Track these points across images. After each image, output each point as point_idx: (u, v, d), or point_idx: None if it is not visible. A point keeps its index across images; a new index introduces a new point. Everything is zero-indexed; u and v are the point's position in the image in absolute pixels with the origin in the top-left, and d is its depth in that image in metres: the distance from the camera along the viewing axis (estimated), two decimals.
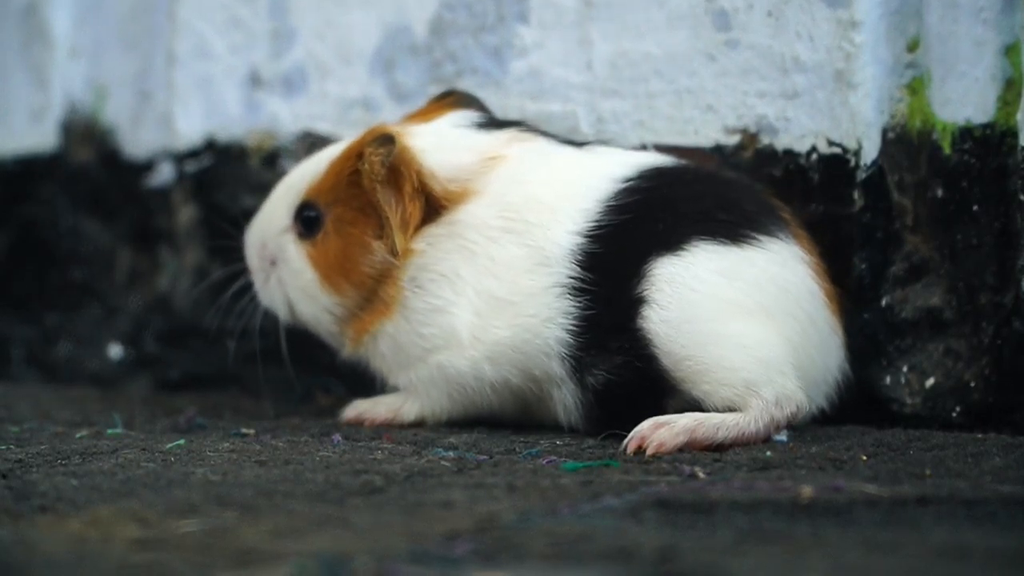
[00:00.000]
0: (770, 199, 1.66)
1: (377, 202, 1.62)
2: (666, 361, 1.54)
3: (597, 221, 1.59)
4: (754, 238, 1.57)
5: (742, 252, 1.57)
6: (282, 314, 1.72)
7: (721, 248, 1.56)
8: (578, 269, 1.58)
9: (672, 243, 1.56)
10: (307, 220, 1.67)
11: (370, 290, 1.65)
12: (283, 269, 1.70)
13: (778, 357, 1.55)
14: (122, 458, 1.46)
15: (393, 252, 1.63)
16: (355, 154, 1.64)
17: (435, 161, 1.63)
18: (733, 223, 1.58)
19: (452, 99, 1.74)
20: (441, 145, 1.64)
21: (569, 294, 1.58)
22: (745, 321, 1.55)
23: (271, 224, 1.71)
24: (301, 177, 1.70)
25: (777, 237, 1.59)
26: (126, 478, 1.35)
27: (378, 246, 1.64)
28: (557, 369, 1.59)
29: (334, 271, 1.66)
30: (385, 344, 1.67)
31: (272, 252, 1.70)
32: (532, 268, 1.60)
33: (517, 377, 1.61)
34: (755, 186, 1.69)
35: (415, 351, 1.65)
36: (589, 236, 1.59)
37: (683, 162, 1.69)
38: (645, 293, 1.55)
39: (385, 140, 1.62)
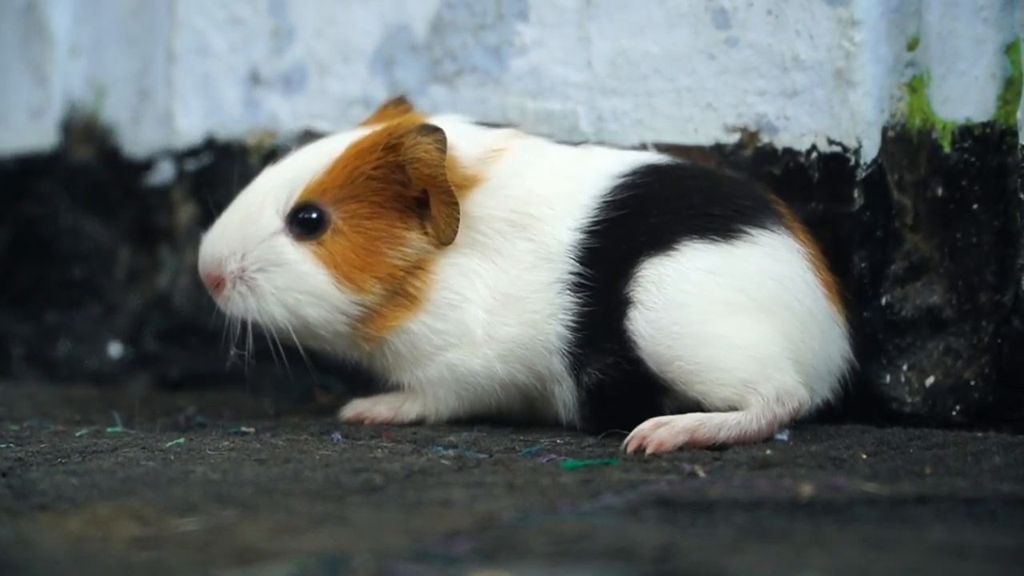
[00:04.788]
0: (764, 193, 1.66)
1: (440, 188, 1.58)
2: (652, 363, 1.54)
3: (594, 217, 1.60)
4: (746, 232, 1.57)
5: (733, 248, 1.57)
6: (278, 320, 1.63)
7: (711, 246, 1.56)
8: (577, 265, 1.59)
9: (662, 243, 1.56)
10: (306, 221, 1.63)
11: (397, 284, 1.63)
12: (278, 274, 1.63)
13: (775, 353, 1.54)
14: (122, 456, 1.46)
15: (443, 241, 1.60)
16: (379, 148, 1.61)
17: (458, 151, 1.62)
18: (724, 218, 1.58)
19: (405, 106, 1.74)
20: (456, 136, 1.63)
21: (569, 290, 1.59)
22: (738, 319, 1.55)
23: (254, 229, 1.64)
24: (291, 178, 1.65)
25: (770, 229, 1.59)
26: (126, 476, 1.35)
27: (414, 237, 1.62)
28: (557, 365, 1.60)
29: (354, 268, 1.62)
30: (402, 341, 1.64)
31: (258, 258, 1.64)
32: (536, 263, 1.61)
33: (524, 374, 1.62)
34: (749, 181, 1.69)
35: (427, 348, 1.63)
36: (587, 232, 1.59)
37: (679, 161, 1.69)
38: (632, 294, 1.55)
39: (431, 129, 1.59)
